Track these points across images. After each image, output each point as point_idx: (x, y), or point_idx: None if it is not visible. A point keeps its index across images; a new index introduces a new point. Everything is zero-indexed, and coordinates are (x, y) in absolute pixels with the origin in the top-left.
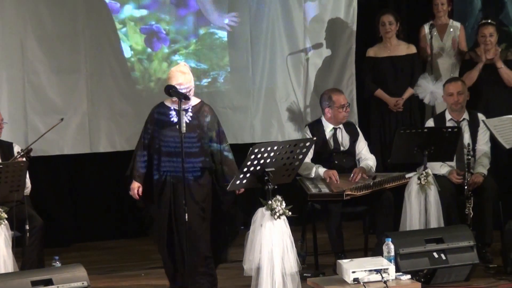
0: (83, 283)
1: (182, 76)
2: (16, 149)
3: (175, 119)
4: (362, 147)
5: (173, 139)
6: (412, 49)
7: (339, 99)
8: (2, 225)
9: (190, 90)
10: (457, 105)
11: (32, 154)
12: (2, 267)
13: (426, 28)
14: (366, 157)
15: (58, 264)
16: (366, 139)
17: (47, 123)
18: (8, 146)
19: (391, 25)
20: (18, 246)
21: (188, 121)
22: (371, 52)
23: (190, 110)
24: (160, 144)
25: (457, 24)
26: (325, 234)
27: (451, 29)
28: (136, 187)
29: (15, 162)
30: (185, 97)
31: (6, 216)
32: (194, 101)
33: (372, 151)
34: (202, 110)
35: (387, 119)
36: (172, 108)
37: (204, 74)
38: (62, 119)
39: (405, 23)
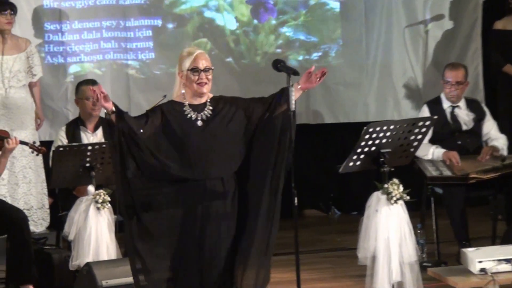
0: None
1: (202, 51)
2: None
3: (193, 115)
4: (490, 126)
5: (195, 139)
6: None
7: (447, 74)
8: (105, 209)
9: (211, 72)
10: None
11: None
12: (105, 253)
13: None
14: (496, 137)
15: None
16: (493, 118)
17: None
18: None
19: None
20: (121, 231)
21: (208, 116)
22: (499, 25)
23: (208, 102)
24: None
25: None
26: (447, 221)
27: None
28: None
29: None
30: (294, 72)
31: (109, 199)
32: (210, 95)
33: (500, 131)
34: (220, 99)
35: None
36: (186, 103)
37: (314, 47)
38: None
39: None
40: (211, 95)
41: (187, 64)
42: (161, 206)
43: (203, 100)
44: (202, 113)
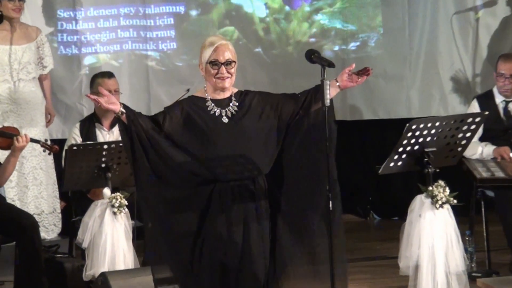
0: None
1: (226, 42)
2: None
3: (217, 111)
4: None
5: (222, 137)
6: None
7: (501, 65)
8: (122, 214)
9: (233, 66)
10: None
11: None
12: (122, 262)
13: None
14: None
15: None
16: None
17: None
18: None
19: None
20: (139, 238)
21: (234, 112)
22: None
23: (233, 97)
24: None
25: None
26: (498, 227)
27: None
28: None
29: None
30: (329, 64)
31: (126, 203)
32: (233, 89)
33: None
34: (246, 94)
35: None
36: (208, 98)
37: (351, 36)
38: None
39: None
40: (235, 90)
41: (207, 55)
42: (184, 209)
43: (226, 95)
44: (227, 109)
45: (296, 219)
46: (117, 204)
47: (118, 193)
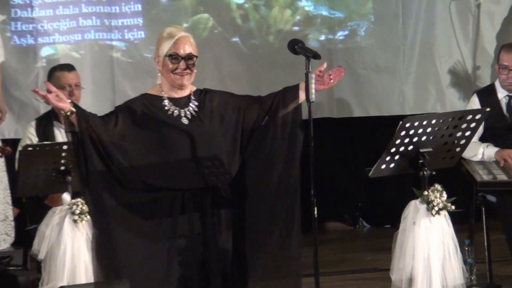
0: None
1: (187, 34)
2: None
3: (175, 111)
4: None
5: (182, 141)
6: None
7: (503, 57)
8: (83, 221)
9: (194, 62)
10: None
11: None
12: (83, 275)
13: None
14: None
15: None
16: None
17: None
18: None
19: None
20: None
21: (194, 113)
22: None
23: (192, 96)
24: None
25: None
26: (501, 235)
27: None
28: None
29: None
30: (314, 56)
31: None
32: (192, 87)
33: None
34: (206, 93)
35: None
36: (165, 97)
37: (339, 25)
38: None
39: None
40: (194, 88)
41: (165, 48)
42: (142, 217)
43: (185, 93)
44: (186, 109)
45: (257, 231)
46: (78, 211)
47: (79, 199)
